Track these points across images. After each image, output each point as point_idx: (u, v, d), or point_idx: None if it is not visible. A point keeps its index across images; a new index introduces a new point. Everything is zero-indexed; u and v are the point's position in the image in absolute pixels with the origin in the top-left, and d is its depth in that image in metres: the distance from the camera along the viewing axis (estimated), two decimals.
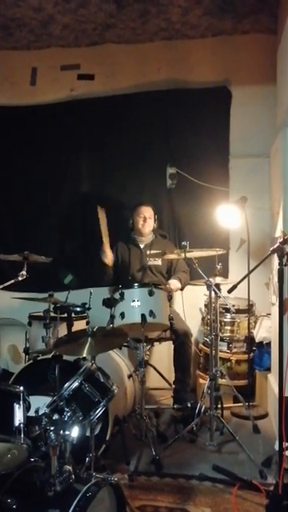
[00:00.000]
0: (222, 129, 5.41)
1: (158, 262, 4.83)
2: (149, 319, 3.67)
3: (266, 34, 5.18)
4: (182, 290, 4.73)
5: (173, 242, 5.21)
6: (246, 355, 4.78)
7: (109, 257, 4.77)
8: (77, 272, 5.38)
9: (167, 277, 4.87)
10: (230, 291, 3.21)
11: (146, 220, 4.85)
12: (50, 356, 3.39)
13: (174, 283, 4.68)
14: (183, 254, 3.95)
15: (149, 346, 4.43)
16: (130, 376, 4.03)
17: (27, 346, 4.41)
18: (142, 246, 4.90)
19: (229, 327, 4.87)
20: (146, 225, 4.86)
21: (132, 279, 4.76)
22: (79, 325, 4.26)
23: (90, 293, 4.03)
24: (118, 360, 4.13)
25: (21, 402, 2.33)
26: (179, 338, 4.51)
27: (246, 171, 5.33)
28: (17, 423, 2.29)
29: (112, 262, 4.79)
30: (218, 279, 4.19)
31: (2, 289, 4.17)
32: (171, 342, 4.56)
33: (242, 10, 4.83)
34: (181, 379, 4.56)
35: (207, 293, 4.14)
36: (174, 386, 4.63)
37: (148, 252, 4.84)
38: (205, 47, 5.41)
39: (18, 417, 2.31)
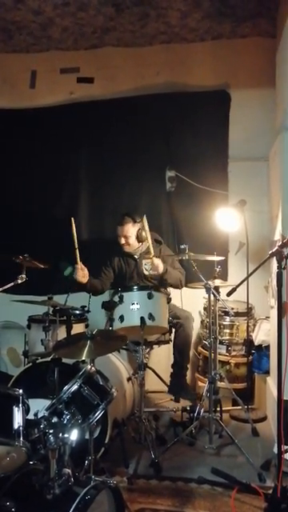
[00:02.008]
0: (221, 132, 5.42)
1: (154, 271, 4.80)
2: (148, 322, 3.68)
3: (264, 37, 5.20)
4: (165, 279, 4.50)
5: (172, 245, 5.20)
6: (245, 358, 4.78)
7: (80, 273, 4.51)
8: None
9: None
10: (229, 294, 3.23)
11: (124, 240, 4.76)
12: (49, 359, 3.41)
13: (158, 261, 4.53)
14: (181, 257, 3.97)
15: (148, 349, 4.42)
16: (129, 379, 4.04)
17: (26, 348, 4.41)
18: (136, 256, 4.85)
19: (228, 330, 4.87)
20: (126, 245, 4.77)
21: None
22: (78, 328, 4.25)
23: (90, 296, 4.03)
24: (117, 363, 4.14)
25: (20, 405, 2.33)
26: (180, 320, 4.52)
27: (245, 174, 5.33)
28: (16, 426, 2.29)
29: (86, 278, 4.57)
30: (217, 282, 4.21)
31: (1, 291, 4.17)
32: (170, 344, 4.54)
33: (241, 14, 4.84)
34: (178, 361, 4.56)
35: (206, 296, 4.14)
36: (171, 369, 4.61)
37: (143, 261, 4.79)
38: (204, 51, 5.43)
39: (17, 420, 2.31)
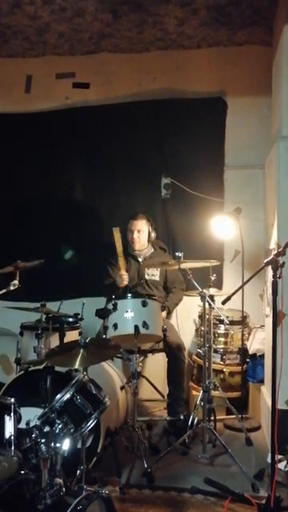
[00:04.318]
0: (217, 139, 5.41)
1: (156, 277, 4.81)
2: (142, 330, 3.66)
3: (261, 45, 5.21)
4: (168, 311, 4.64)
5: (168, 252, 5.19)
6: (240, 367, 4.77)
7: (125, 279, 4.64)
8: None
9: (163, 291, 4.86)
10: (224, 302, 3.22)
11: (137, 234, 4.79)
12: (41, 367, 3.38)
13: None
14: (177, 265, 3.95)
15: (142, 358, 4.41)
16: (122, 387, 4.01)
17: (18, 356, 4.36)
18: (140, 259, 4.86)
19: (222, 339, 4.85)
20: (137, 240, 4.80)
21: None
22: (71, 335, 4.23)
23: (83, 303, 4.01)
24: (111, 371, 4.11)
25: (11, 414, 2.32)
26: (172, 351, 4.48)
27: (241, 182, 5.34)
28: (7, 435, 2.28)
29: (126, 283, 4.66)
30: (212, 290, 4.18)
31: None
32: (164, 353, 4.54)
33: (237, 22, 4.85)
34: (174, 393, 4.53)
35: (201, 304, 4.13)
36: (167, 399, 4.61)
37: (146, 268, 4.81)
38: (200, 58, 5.43)
39: (9, 429, 2.30)
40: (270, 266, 2.98)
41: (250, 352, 4.82)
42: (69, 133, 5.61)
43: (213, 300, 4.08)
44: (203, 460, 3.82)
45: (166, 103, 5.49)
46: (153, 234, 4.83)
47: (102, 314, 3.85)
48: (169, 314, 4.72)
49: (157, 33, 5.08)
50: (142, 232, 4.79)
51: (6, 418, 2.31)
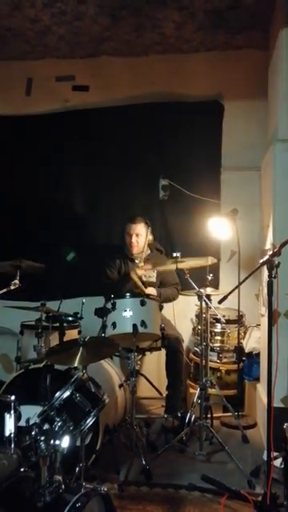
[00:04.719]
0: (214, 142, 5.46)
1: (153, 278, 4.84)
2: (140, 329, 3.70)
3: (258, 49, 5.23)
4: (162, 302, 4.67)
5: (165, 253, 5.23)
6: (236, 365, 4.82)
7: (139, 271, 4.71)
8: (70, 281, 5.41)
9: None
10: (220, 302, 3.26)
11: (135, 238, 4.79)
12: (41, 365, 3.41)
13: (150, 290, 4.64)
14: (175, 265, 4.00)
15: (140, 356, 4.45)
16: (121, 385, 4.06)
17: (19, 354, 4.40)
18: (137, 261, 4.88)
19: (219, 337, 4.90)
20: (135, 244, 4.80)
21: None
22: (71, 334, 4.27)
23: (82, 302, 4.05)
24: (110, 369, 4.16)
25: (11, 412, 2.34)
26: (171, 344, 4.52)
27: (238, 184, 5.37)
28: (7, 433, 2.30)
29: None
30: (209, 290, 4.22)
31: None
32: (162, 351, 4.57)
33: (234, 26, 4.88)
34: (173, 385, 4.57)
35: (198, 303, 4.17)
36: (166, 391, 4.64)
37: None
38: (198, 61, 5.47)
39: (9, 427, 2.32)
40: (265, 266, 3.02)
41: (246, 350, 4.85)
42: (68, 135, 5.65)
43: (209, 299, 4.12)
44: (200, 457, 3.86)
45: (164, 106, 5.53)
46: (150, 237, 4.84)
47: (101, 312, 3.89)
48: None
49: (155, 37, 5.13)
50: (141, 235, 4.80)
51: (6, 415, 2.32)
